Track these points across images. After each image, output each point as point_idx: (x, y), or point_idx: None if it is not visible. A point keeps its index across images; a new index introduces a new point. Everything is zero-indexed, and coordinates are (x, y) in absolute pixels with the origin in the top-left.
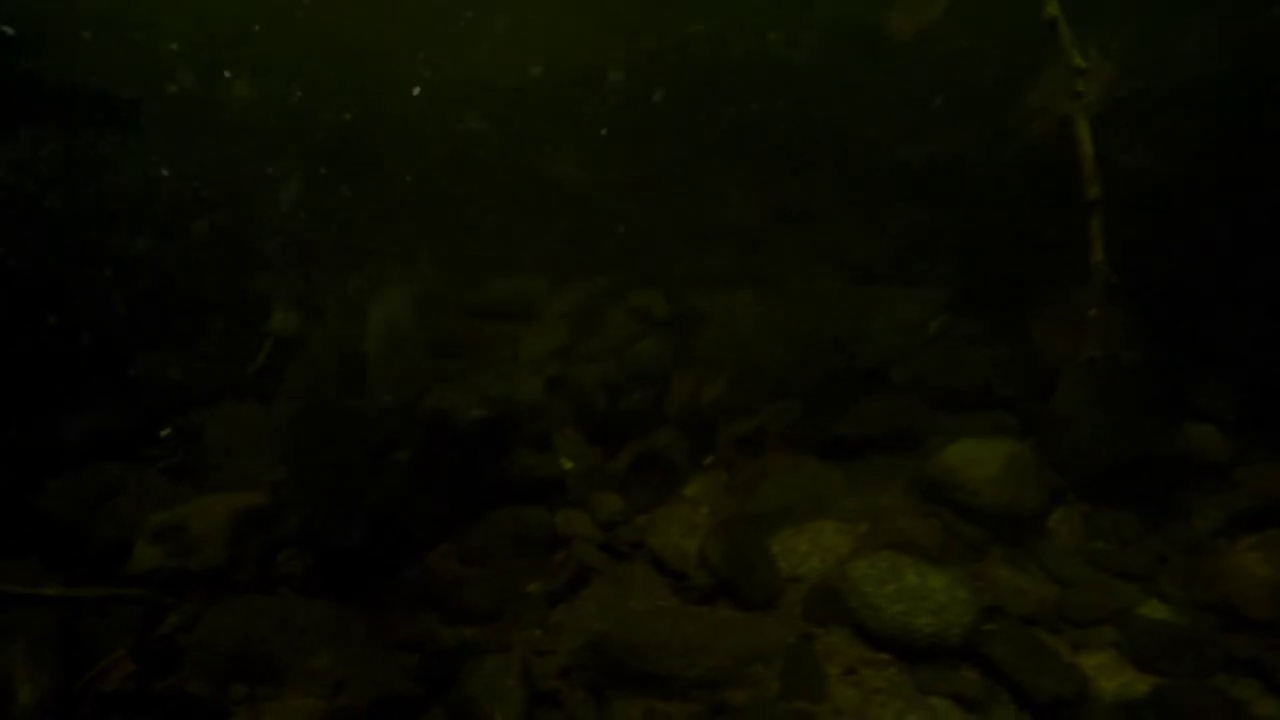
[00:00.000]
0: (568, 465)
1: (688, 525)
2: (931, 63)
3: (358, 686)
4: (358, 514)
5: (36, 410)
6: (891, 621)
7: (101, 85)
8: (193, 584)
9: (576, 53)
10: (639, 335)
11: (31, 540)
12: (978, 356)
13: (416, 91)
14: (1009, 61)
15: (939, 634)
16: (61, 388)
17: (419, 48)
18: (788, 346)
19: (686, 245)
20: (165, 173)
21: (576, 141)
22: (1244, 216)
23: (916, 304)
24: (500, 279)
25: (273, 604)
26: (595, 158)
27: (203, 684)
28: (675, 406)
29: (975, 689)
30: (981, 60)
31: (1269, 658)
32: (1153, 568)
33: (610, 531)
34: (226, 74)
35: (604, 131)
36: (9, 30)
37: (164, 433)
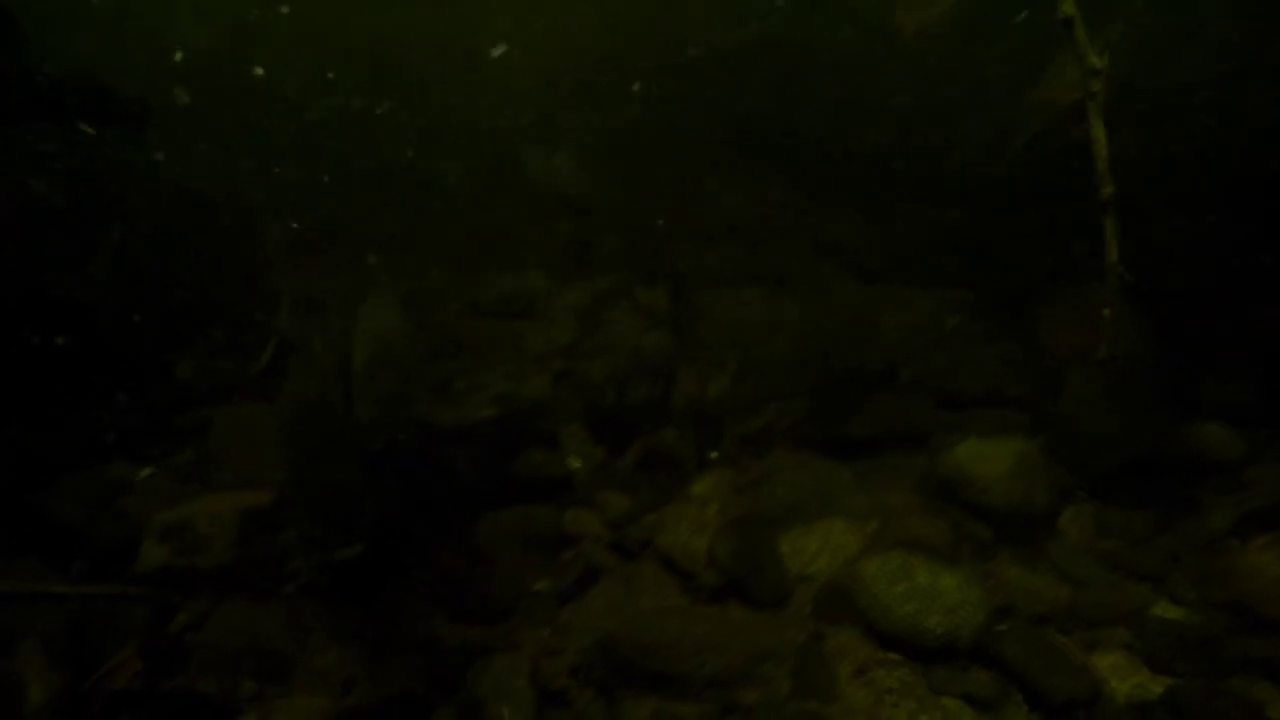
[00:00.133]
0: (575, 464)
1: (696, 524)
2: (936, 59)
3: (366, 685)
4: (357, 528)
5: (42, 409)
6: (903, 621)
7: (107, 81)
8: (200, 582)
9: (587, 50)
10: (645, 332)
11: (39, 539)
12: (985, 354)
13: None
14: (1014, 59)
15: (951, 634)
16: (67, 387)
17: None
18: (795, 344)
19: (691, 242)
20: (171, 171)
21: (584, 139)
22: (1254, 212)
23: (924, 302)
24: (504, 276)
25: (280, 603)
26: (600, 154)
27: (211, 682)
28: (682, 401)
29: (988, 689)
30: (986, 57)
31: None
32: (1165, 567)
33: (619, 530)
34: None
35: (611, 127)
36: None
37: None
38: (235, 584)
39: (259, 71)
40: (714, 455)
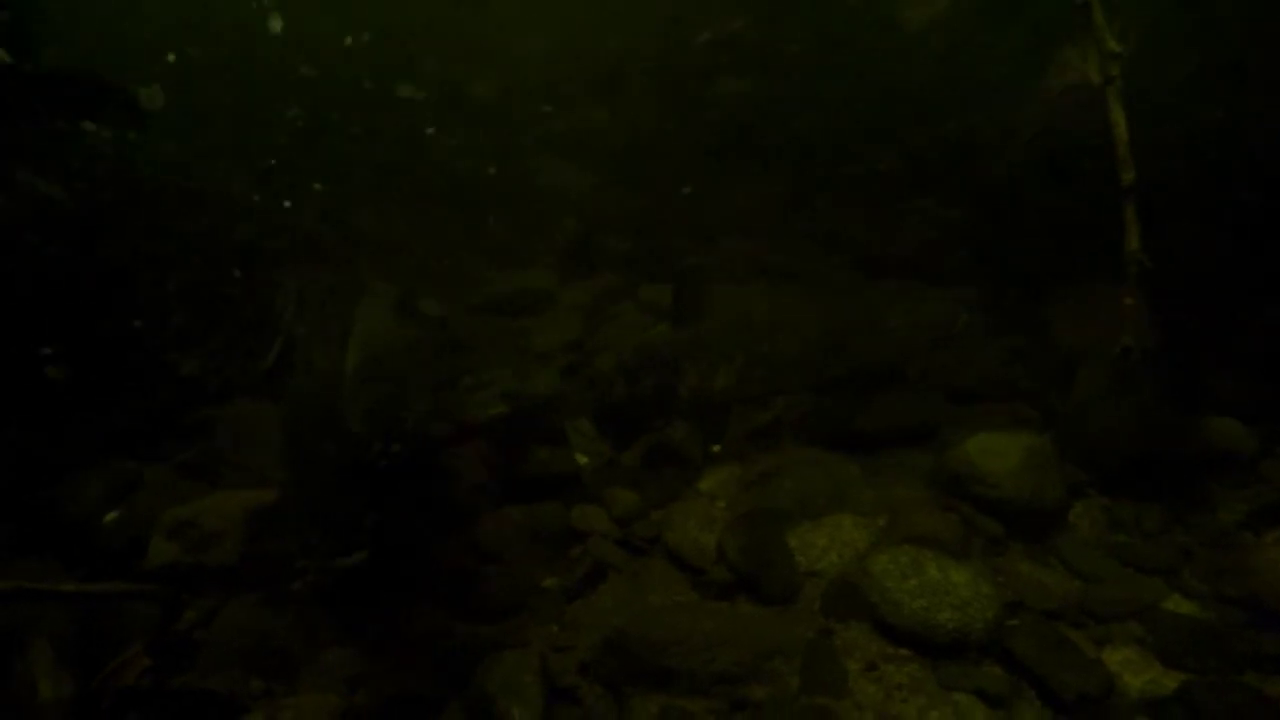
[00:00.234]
0: (582, 460)
1: (704, 520)
2: (943, 52)
3: (373, 683)
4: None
5: (50, 407)
6: (913, 617)
7: (110, 78)
8: (208, 580)
9: (593, 48)
10: (650, 328)
11: (48, 536)
12: (994, 349)
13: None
14: (1022, 50)
15: (962, 629)
16: (75, 385)
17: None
18: (802, 340)
19: (696, 238)
20: (176, 168)
21: (588, 138)
22: (1266, 204)
23: (931, 298)
24: (509, 275)
25: (288, 601)
26: (604, 152)
27: (219, 680)
28: (688, 397)
29: (999, 685)
30: (994, 49)
31: None
32: (1177, 562)
33: (626, 527)
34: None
35: (614, 125)
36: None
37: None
38: (243, 582)
39: (260, 72)
40: (716, 449)
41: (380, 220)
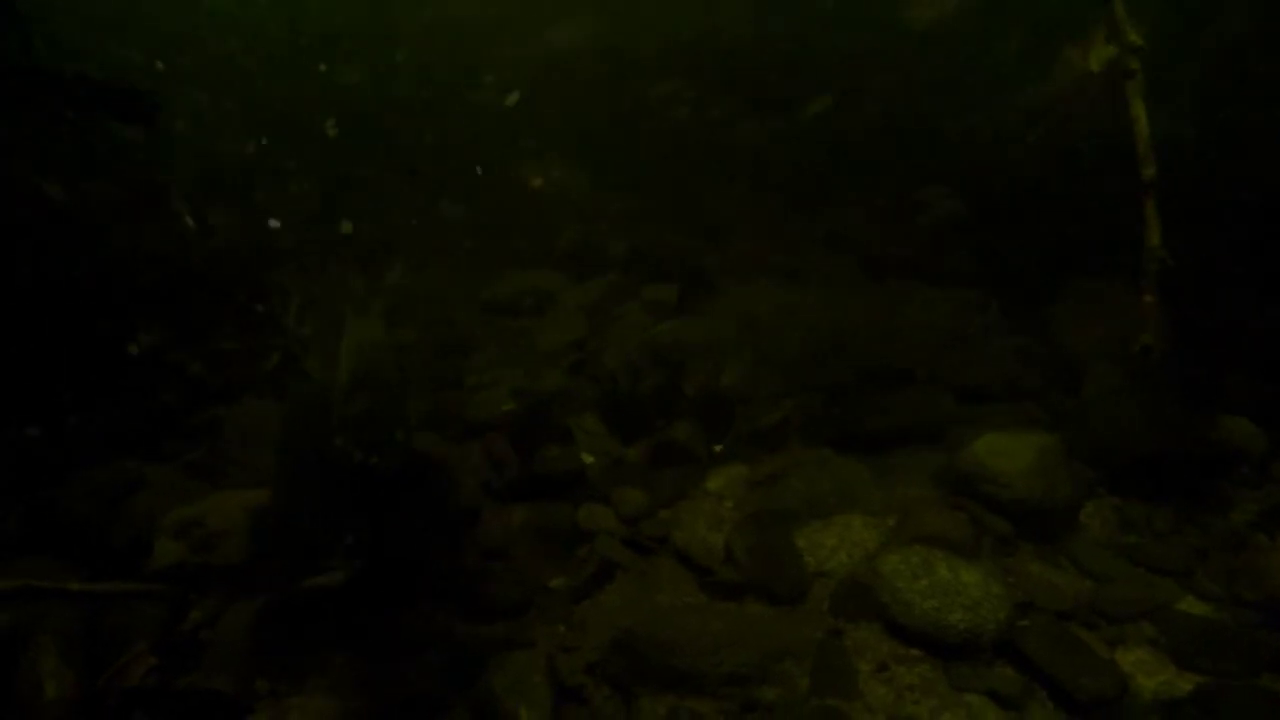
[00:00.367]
0: (589, 459)
1: (712, 519)
2: (949, 51)
3: (380, 683)
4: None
5: (56, 406)
6: (924, 617)
7: (116, 77)
8: (214, 580)
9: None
10: (656, 326)
11: (54, 536)
12: (1003, 348)
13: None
14: (1026, 50)
15: (973, 630)
16: (80, 384)
17: None
18: (809, 340)
19: (702, 237)
20: (184, 166)
21: (592, 137)
22: (1272, 203)
23: (939, 297)
24: (514, 275)
25: (293, 600)
26: (609, 150)
27: (225, 680)
28: (694, 393)
29: (1011, 686)
30: (998, 48)
31: None
32: (1190, 562)
33: (634, 526)
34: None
35: (619, 122)
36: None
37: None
38: (248, 581)
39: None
40: (718, 449)
41: (392, 218)
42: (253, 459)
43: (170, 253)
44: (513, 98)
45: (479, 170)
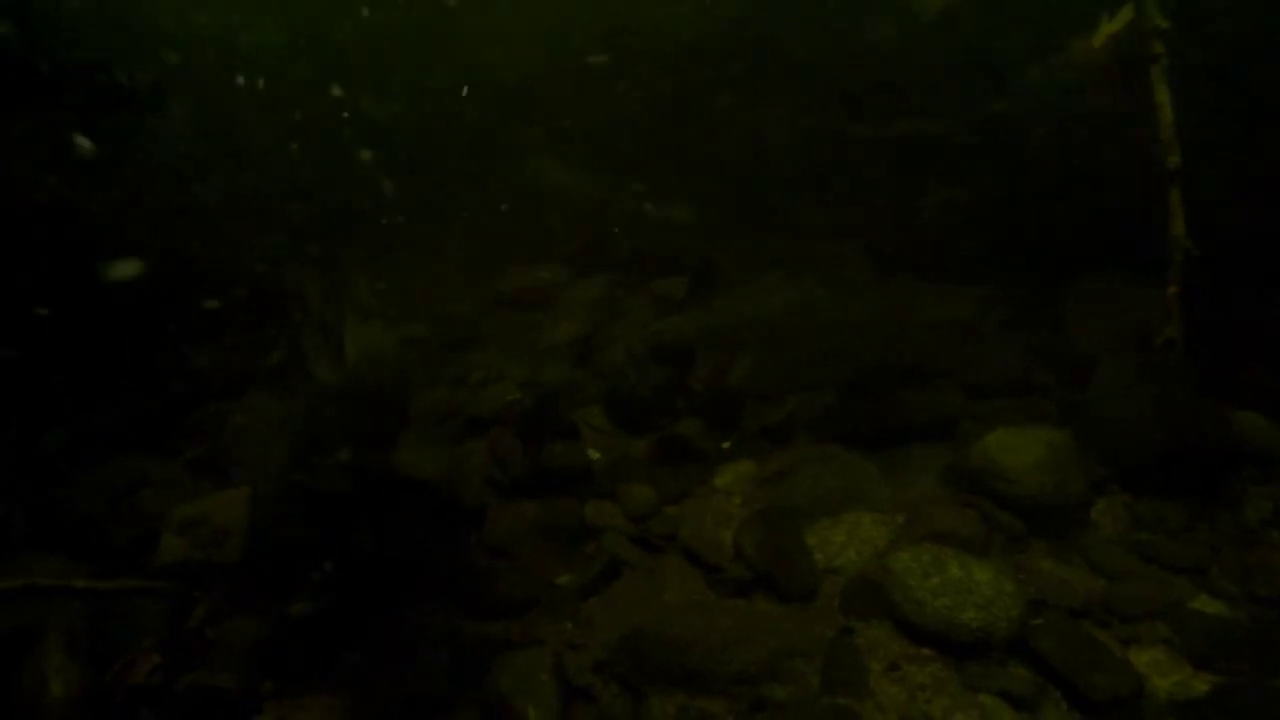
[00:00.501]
0: (595, 455)
1: (720, 516)
2: (957, 38)
3: (387, 681)
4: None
5: (61, 403)
6: (936, 616)
7: (119, 70)
8: (219, 577)
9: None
10: (663, 320)
11: (60, 533)
12: (1013, 342)
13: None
14: (1037, 39)
15: (986, 629)
16: (85, 381)
17: None
18: (818, 335)
19: (708, 232)
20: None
21: (597, 130)
22: None
23: (950, 292)
24: (519, 270)
25: (298, 598)
26: (614, 146)
27: (230, 678)
28: (701, 388)
29: (1025, 686)
30: (1009, 38)
31: None
32: (1203, 560)
33: (641, 523)
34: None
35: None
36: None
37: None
38: (253, 579)
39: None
40: (726, 445)
41: (396, 215)
42: (256, 456)
43: (173, 247)
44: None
45: (483, 165)
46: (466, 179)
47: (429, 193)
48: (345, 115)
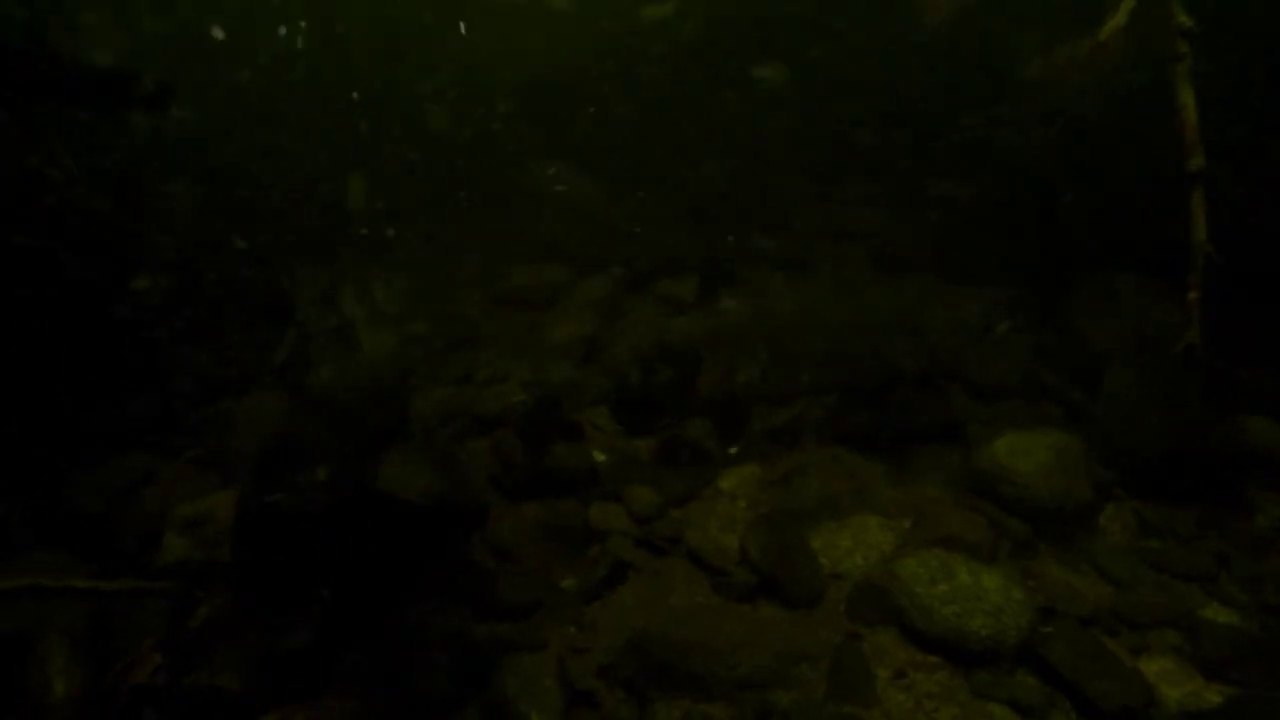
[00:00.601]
0: (600, 457)
1: (726, 519)
2: (967, 40)
3: (389, 683)
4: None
5: (64, 400)
6: (944, 623)
7: (127, 66)
8: (222, 576)
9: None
10: (669, 321)
11: (62, 532)
12: (1020, 345)
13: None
14: (1044, 41)
15: (995, 637)
16: (89, 377)
17: None
18: (830, 339)
19: (713, 232)
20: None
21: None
22: None
23: (965, 296)
24: (524, 268)
25: (300, 598)
26: (619, 145)
27: (233, 678)
28: (708, 390)
29: (1034, 695)
30: (1016, 40)
31: None
32: (1214, 568)
33: (646, 526)
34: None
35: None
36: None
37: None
38: (256, 578)
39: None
40: (733, 451)
41: (399, 212)
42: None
43: (178, 245)
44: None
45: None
46: (470, 178)
47: (431, 192)
48: (348, 115)
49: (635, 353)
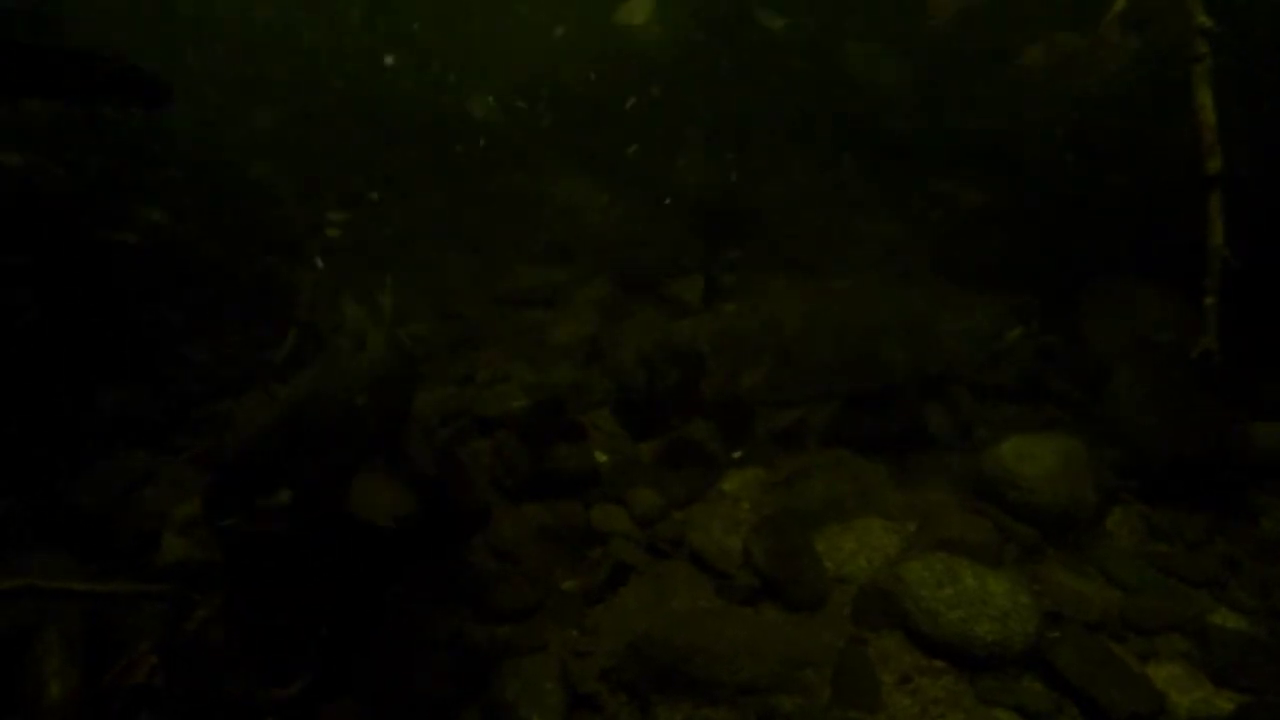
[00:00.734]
0: (602, 458)
1: (729, 522)
2: (970, 43)
3: (391, 686)
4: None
5: (64, 398)
6: (950, 628)
7: (131, 60)
8: (220, 577)
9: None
10: (672, 322)
11: (62, 531)
12: (1026, 349)
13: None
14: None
15: (1002, 642)
16: (90, 375)
17: None
18: (838, 344)
19: (717, 232)
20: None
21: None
22: None
23: (975, 302)
24: (526, 269)
25: (301, 598)
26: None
27: (232, 680)
28: (712, 393)
29: (1041, 701)
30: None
31: None
32: (1222, 573)
33: (648, 528)
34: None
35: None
36: None
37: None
38: (256, 578)
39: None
40: (737, 456)
41: (401, 211)
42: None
43: (180, 242)
44: None
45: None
46: (475, 180)
47: (434, 193)
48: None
49: (641, 356)
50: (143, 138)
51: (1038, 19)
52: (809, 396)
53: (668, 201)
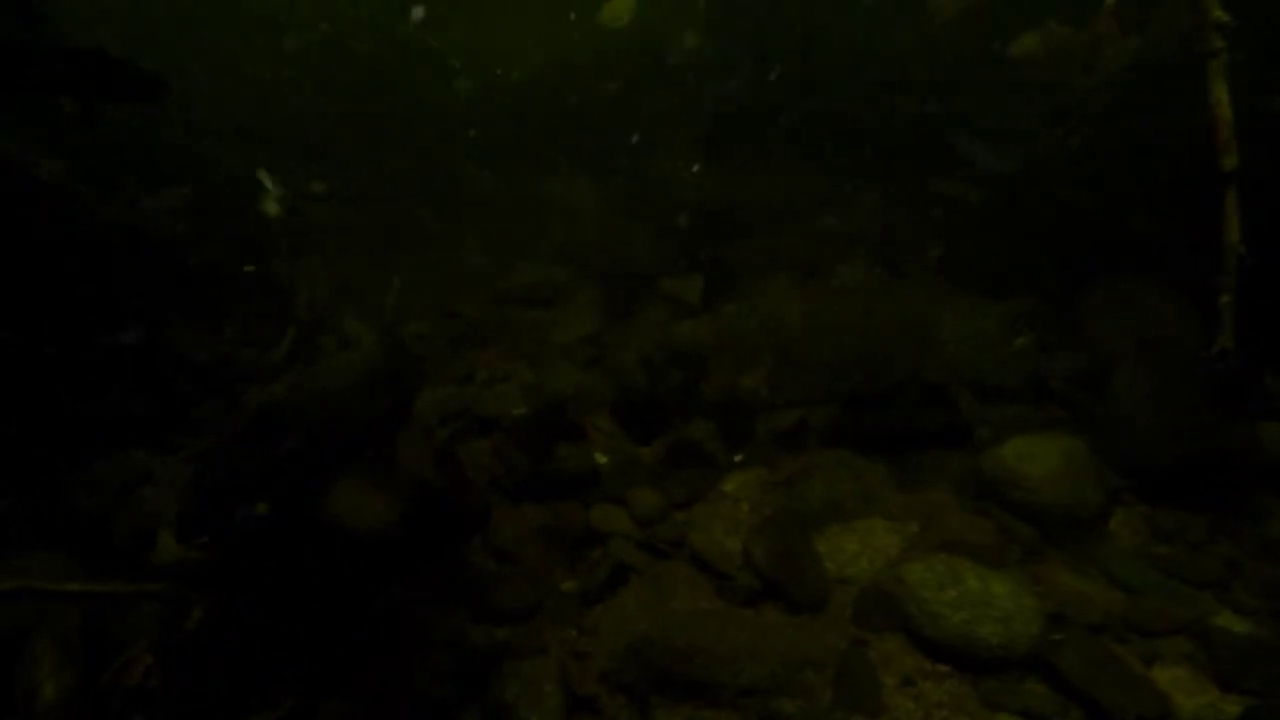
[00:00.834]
0: (602, 459)
1: (730, 523)
2: (972, 42)
3: (389, 687)
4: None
5: (63, 397)
6: (953, 630)
7: (123, 56)
8: (219, 576)
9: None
10: (673, 323)
11: (60, 530)
12: (1028, 348)
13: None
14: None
15: (1005, 645)
16: (87, 374)
17: None
18: (839, 346)
19: (718, 232)
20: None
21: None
22: None
23: (965, 297)
24: (527, 267)
25: (300, 598)
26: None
27: (231, 681)
28: (713, 394)
29: (1046, 704)
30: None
31: None
32: (1226, 575)
33: (648, 528)
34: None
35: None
36: None
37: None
38: (254, 578)
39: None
40: (739, 459)
41: (402, 210)
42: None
43: (179, 240)
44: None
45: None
46: (476, 179)
47: (436, 192)
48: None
49: (643, 356)
50: (141, 134)
51: (1038, 19)
52: (810, 397)
53: (667, 202)
